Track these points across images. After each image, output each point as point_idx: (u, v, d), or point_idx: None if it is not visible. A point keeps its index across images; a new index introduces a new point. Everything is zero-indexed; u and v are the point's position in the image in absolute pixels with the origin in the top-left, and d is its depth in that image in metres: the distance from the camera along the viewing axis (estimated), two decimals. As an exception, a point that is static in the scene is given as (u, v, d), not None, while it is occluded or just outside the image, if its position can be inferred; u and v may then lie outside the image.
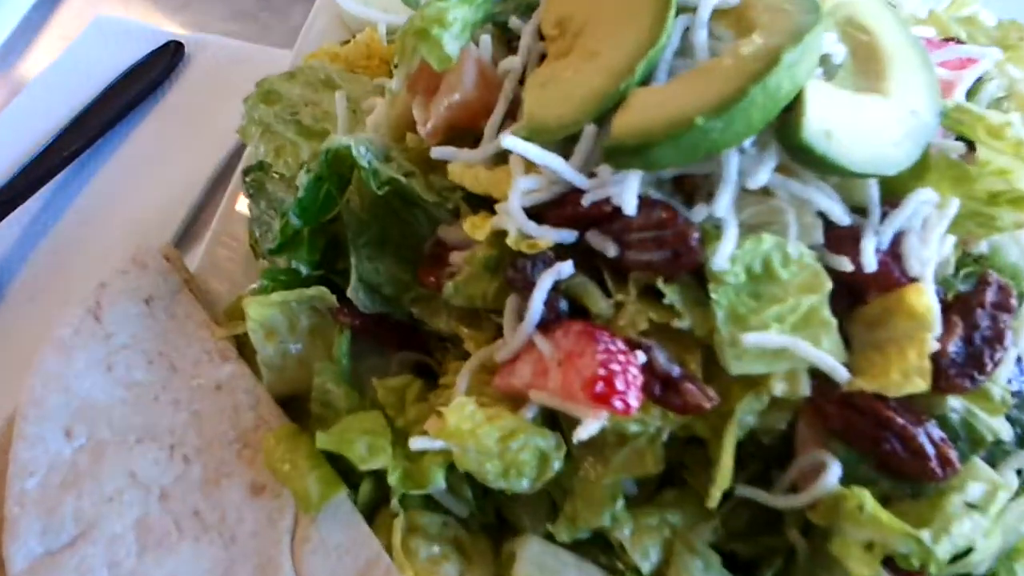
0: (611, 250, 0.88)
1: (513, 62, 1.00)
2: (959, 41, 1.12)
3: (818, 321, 0.84)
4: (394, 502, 0.94)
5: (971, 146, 0.93)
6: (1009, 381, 0.88)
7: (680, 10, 0.90)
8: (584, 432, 0.82)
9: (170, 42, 1.68)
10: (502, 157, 0.93)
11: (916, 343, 0.83)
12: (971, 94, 1.03)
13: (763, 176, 0.85)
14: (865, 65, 0.93)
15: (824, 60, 0.91)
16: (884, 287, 0.87)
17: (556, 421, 0.90)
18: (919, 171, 0.88)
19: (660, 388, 0.85)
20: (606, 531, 0.89)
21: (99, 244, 1.43)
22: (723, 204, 0.85)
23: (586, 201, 0.87)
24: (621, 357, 0.83)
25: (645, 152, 0.82)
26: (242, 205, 1.27)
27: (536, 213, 0.89)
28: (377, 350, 1.07)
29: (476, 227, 0.93)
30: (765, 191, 0.87)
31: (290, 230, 1.04)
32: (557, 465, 0.88)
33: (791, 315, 0.84)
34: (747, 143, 0.86)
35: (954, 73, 1.01)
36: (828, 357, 0.83)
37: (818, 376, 0.85)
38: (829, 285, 0.85)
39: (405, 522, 0.94)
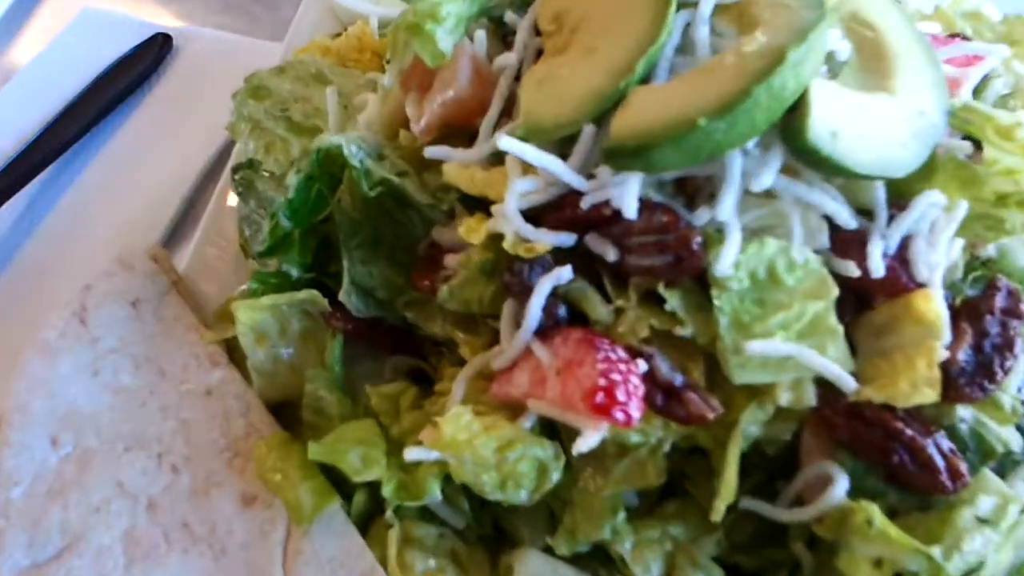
0: (611, 254, 0.86)
1: (509, 58, 0.98)
2: (965, 37, 1.10)
3: (824, 328, 0.83)
4: (389, 513, 0.92)
5: (978, 145, 0.91)
6: (1019, 390, 0.87)
7: (681, 6, 0.88)
8: (584, 444, 0.80)
9: (158, 34, 1.64)
10: (498, 157, 0.91)
11: (925, 351, 0.81)
12: (977, 92, 1.01)
13: (767, 178, 0.83)
14: (870, 62, 0.91)
15: (829, 58, 0.90)
16: (891, 293, 0.85)
17: (555, 430, 0.88)
18: (926, 172, 0.87)
19: (662, 398, 0.83)
20: (606, 544, 0.88)
21: (85, 242, 1.39)
22: (726, 207, 0.83)
23: (585, 204, 0.85)
24: (622, 366, 0.81)
25: (646, 153, 0.80)
26: (232, 202, 1.24)
27: (533, 216, 0.87)
28: (370, 355, 1.05)
29: (472, 230, 0.90)
30: (769, 194, 0.85)
31: (280, 232, 1.03)
32: (556, 476, 0.86)
33: (796, 322, 0.82)
34: (750, 144, 0.83)
35: (960, 70, 1.00)
36: (834, 366, 0.81)
37: (824, 385, 0.83)
38: (835, 291, 0.83)
39: (400, 534, 0.92)
